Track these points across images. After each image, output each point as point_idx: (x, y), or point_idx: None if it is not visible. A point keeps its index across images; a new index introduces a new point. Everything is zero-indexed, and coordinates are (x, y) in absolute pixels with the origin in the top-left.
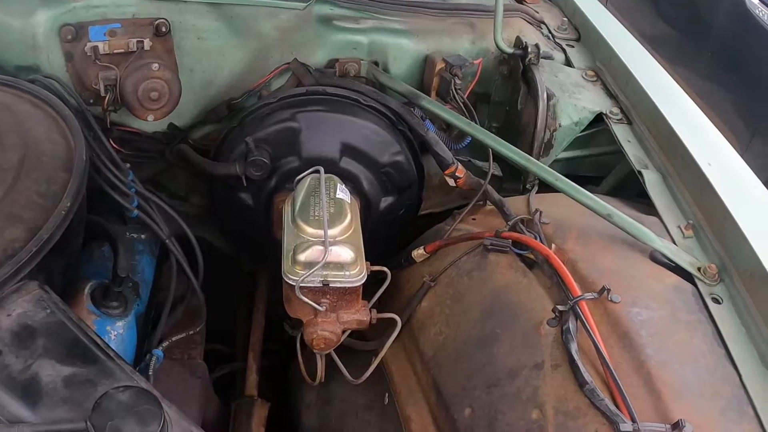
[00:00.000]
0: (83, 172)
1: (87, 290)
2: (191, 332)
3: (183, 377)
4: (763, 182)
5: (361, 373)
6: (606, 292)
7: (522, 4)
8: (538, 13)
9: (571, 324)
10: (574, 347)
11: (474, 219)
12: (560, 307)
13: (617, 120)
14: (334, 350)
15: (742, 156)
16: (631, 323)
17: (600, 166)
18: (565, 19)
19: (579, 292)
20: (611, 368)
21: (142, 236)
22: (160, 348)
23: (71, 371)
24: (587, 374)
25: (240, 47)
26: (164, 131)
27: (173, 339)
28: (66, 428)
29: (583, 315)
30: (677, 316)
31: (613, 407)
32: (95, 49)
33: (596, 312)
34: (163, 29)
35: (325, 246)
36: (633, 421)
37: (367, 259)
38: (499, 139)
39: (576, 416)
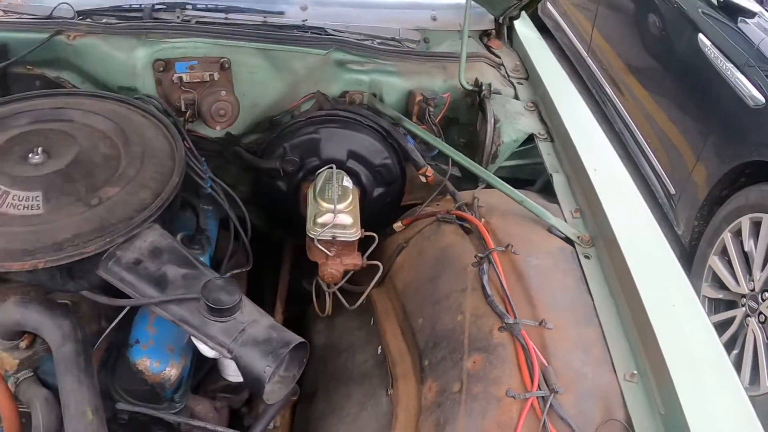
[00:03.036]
0: (182, 161)
1: (179, 237)
2: (243, 270)
3: None
4: (713, 184)
5: (353, 305)
6: (510, 246)
7: (489, 49)
8: (499, 57)
9: (485, 265)
10: (485, 278)
11: (438, 205)
12: (480, 255)
13: (543, 139)
14: (338, 290)
15: (696, 160)
16: (524, 267)
17: (534, 172)
18: (518, 62)
19: (493, 246)
20: (506, 290)
21: (210, 207)
22: None
23: (185, 271)
24: (491, 292)
25: (279, 79)
26: (223, 137)
27: (231, 273)
28: (187, 297)
29: (494, 260)
30: (558, 265)
31: (503, 311)
32: (180, 78)
33: (503, 260)
34: (226, 65)
35: (335, 213)
36: (515, 318)
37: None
38: (455, 150)
39: (482, 317)
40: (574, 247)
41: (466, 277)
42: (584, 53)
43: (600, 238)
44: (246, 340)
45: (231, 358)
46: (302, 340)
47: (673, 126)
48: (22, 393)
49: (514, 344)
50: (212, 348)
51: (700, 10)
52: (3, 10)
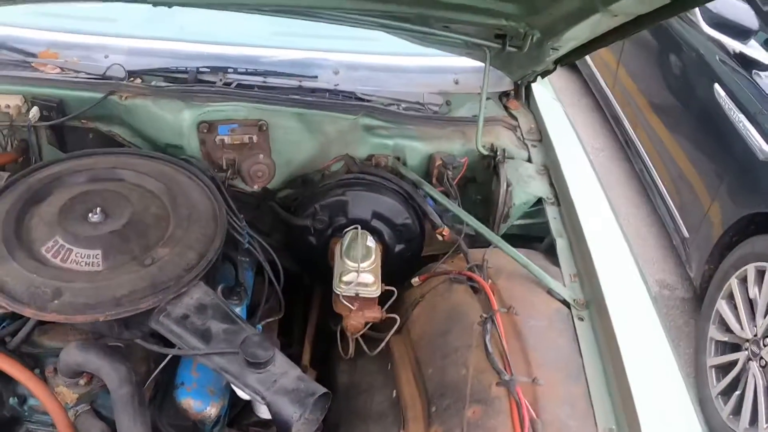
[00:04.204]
0: (224, 224)
1: (219, 288)
2: (275, 318)
3: None
4: (724, 230)
5: (374, 351)
6: (512, 308)
7: (507, 109)
8: (516, 118)
9: (489, 325)
10: (488, 337)
11: (452, 262)
12: (485, 315)
13: (550, 203)
14: (360, 337)
15: (710, 205)
16: (523, 327)
17: (543, 230)
18: (533, 125)
19: (496, 308)
20: (506, 349)
21: (247, 259)
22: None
23: (226, 326)
24: (492, 350)
25: (311, 140)
26: (259, 192)
27: (266, 321)
28: (228, 351)
29: (497, 320)
30: (553, 325)
31: (502, 369)
32: (222, 140)
33: (505, 320)
34: (264, 127)
35: (358, 272)
36: (511, 374)
37: (386, 284)
38: (469, 215)
39: (483, 372)
40: (570, 309)
41: (472, 334)
42: (606, 88)
43: (593, 302)
44: (278, 389)
45: (264, 404)
46: (325, 390)
47: (690, 167)
48: (81, 424)
49: (509, 398)
50: (248, 394)
51: (717, 57)
52: (60, 67)
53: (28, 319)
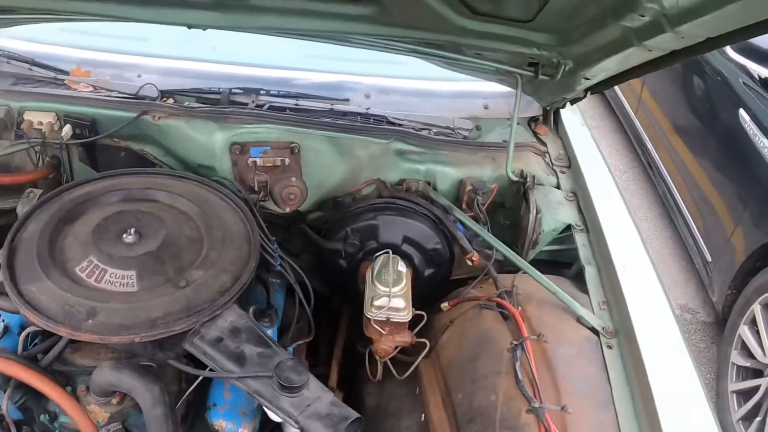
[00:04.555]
0: (257, 248)
1: (251, 310)
2: (305, 341)
3: None
4: (747, 255)
5: (403, 375)
6: (542, 335)
7: (535, 134)
8: (544, 144)
9: (519, 352)
10: (518, 364)
11: (481, 287)
12: (515, 342)
13: (579, 230)
14: (388, 359)
15: (733, 230)
16: (552, 355)
17: (571, 257)
18: (562, 151)
19: (526, 335)
20: (536, 376)
21: (278, 281)
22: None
23: (260, 350)
24: (522, 377)
25: (343, 164)
26: (290, 214)
27: (296, 344)
28: (262, 374)
29: (526, 348)
30: (582, 354)
31: (531, 396)
32: (254, 162)
33: (535, 347)
34: (296, 150)
35: (390, 297)
36: (540, 402)
37: (415, 307)
38: (498, 240)
39: (513, 398)
40: (599, 337)
41: (502, 360)
42: (630, 110)
43: (622, 330)
44: (311, 414)
45: (298, 428)
46: (358, 416)
47: (714, 192)
48: None
49: (538, 426)
50: (281, 418)
51: (742, 81)
52: (93, 86)
53: (60, 337)
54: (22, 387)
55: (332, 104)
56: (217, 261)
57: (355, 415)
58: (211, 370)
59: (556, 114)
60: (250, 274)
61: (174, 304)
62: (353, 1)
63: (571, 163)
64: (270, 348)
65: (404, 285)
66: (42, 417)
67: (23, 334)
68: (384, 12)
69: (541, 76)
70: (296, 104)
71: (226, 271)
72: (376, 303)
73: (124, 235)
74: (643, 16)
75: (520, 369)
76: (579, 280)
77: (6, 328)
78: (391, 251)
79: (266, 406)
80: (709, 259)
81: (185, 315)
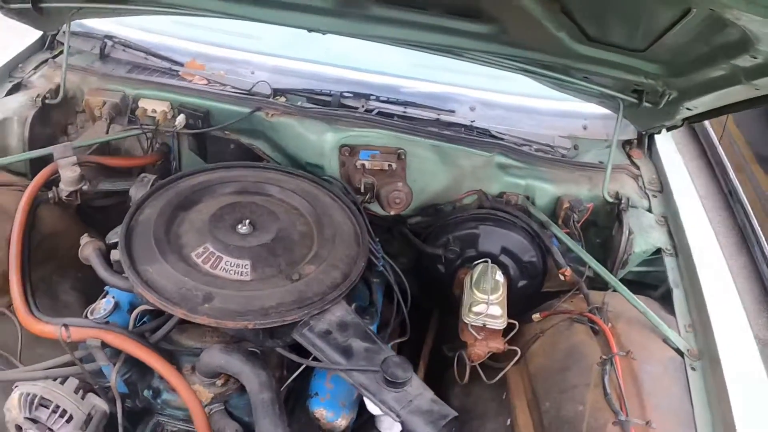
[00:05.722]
0: (366, 245)
1: (353, 306)
2: (402, 339)
3: None
4: None
5: (492, 380)
6: (630, 353)
7: (629, 157)
8: (638, 167)
9: (608, 366)
10: (606, 378)
11: (572, 302)
12: (604, 357)
13: (669, 254)
14: (477, 363)
15: None
16: (639, 371)
17: (657, 279)
18: (655, 175)
19: (616, 351)
20: (623, 391)
21: (378, 280)
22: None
23: (366, 345)
24: (609, 391)
25: (446, 172)
26: (392, 216)
27: (394, 343)
28: (369, 369)
29: (615, 363)
30: (667, 373)
31: (618, 409)
32: (363, 164)
33: (623, 363)
34: (402, 156)
35: (488, 304)
36: (627, 416)
37: (507, 316)
38: (592, 258)
39: (600, 410)
40: (683, 358)
41: (591, 373)
42: (714, 136)
43: (706, 353)
44: (413, 409)
45: (399, 422)
46: (456, 414)
47: None
48: (215, 423)
49: None
50: (383, 411)
51: None
52: (207, 79)
53: (169, 317)
54: (129, 361)
55: (438, 114)
56: (328, 258)
57: (453, 413)
58: (314, 359)
59: (651, 139)
60: (360, 271)
61: (287, 296)
62: (473, 18)
63: (663, 188)
64: (376, 344)
65: (501, 293)
66: (145, 392)
67: (135, 312)
68: (502, 31)
69: (644, 104)
70: (404, 112)
71: (336, 268)
72: (475, 309)
73: (239, 226)
74: (755, 58)
75: (608, 383)
76: (665, 302)
77: (117, 305)
78: (489, 260)
79: (370, 399)
80: None
81: (297, 307)
